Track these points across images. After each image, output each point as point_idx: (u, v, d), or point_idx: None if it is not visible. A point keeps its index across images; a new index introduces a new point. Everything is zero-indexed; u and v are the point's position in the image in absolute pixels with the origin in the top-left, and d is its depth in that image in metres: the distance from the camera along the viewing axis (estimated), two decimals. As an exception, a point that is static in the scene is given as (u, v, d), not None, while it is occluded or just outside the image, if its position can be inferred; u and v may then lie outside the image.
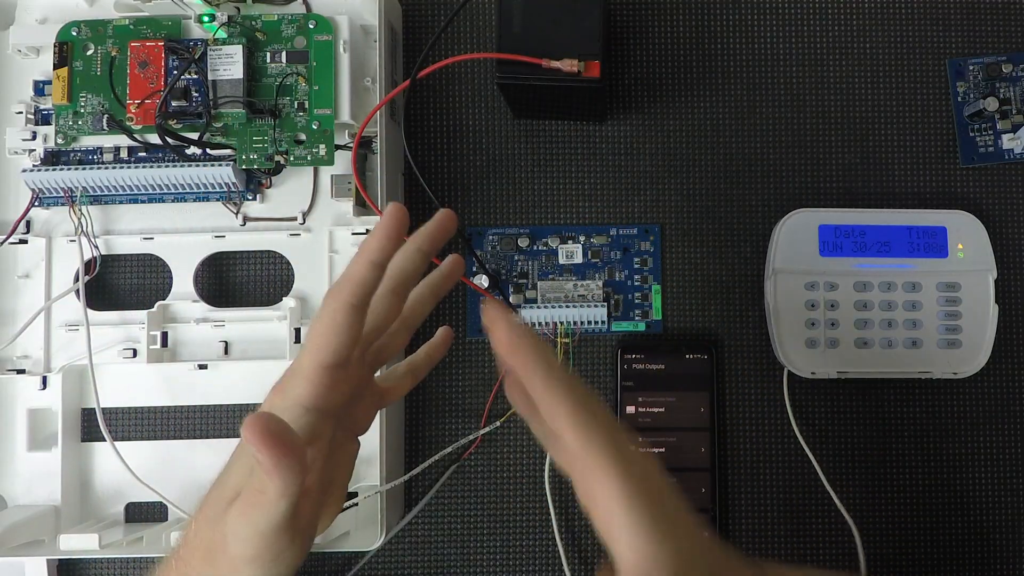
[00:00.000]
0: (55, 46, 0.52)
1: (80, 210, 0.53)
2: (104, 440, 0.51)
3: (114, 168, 0.52)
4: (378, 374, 0.40)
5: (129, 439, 0.55)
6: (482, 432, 0.55)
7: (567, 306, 0.55)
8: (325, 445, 0.34)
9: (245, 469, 0.33)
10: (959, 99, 0.57)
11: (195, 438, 0.55)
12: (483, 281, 0.55)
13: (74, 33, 0.52)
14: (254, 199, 0.55)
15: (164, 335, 0.54)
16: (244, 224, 0.55)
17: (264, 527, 0.31)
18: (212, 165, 0.51)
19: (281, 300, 0.54)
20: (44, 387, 0.53)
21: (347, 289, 0.32)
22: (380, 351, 0.39)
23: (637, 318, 0.56)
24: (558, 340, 0.55)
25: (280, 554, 0.32)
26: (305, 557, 0.34)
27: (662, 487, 0.32)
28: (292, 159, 0.52)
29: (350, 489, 0.52)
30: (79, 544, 0.49)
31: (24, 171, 0.52)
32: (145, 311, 0.53)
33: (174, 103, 0.51)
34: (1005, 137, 0.56)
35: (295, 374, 0.33)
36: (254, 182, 0.54)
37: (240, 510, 0.32)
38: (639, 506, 0.30)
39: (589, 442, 0.31)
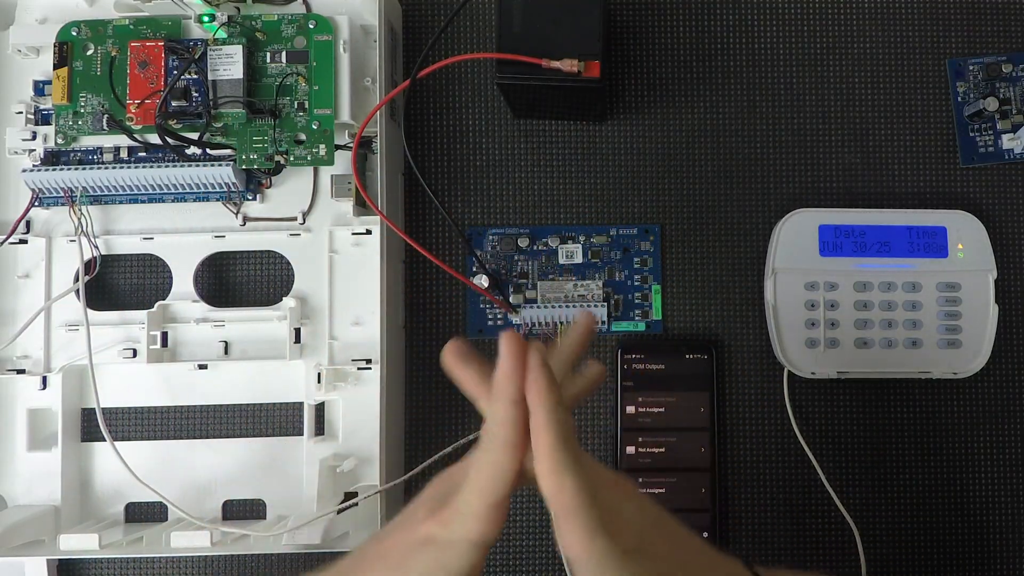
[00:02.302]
0: (55, 46, 0.52)
1: (80, 210, 0.53)
2: (104, 440, 0.51)
3: (114, 168, 0.52)
4: None
5: (129, 439, 0.55)
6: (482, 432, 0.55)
7: (567, 306, 0.55)
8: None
9: (432, 514, 0.35)
10: (959, 99, 0.57)
11: (195, 438, 0.55)
12: (483, 281, 0.55)
13: (74, 33, 0.52)
14: (254, 199, 0.55)
15: (164, 335, 0.54)
16: (244, 224, 0.55)
17: (455, 570, 0.33)
18: (212, 165, 0.51)
19: (281, 300, 0.54)
20: (44, 387, 0.53)
21: (504, 432, 0.34)
22: None
23: (637, 318, 0.56)
24: (558, 340, 0.54)
25: None
26: None
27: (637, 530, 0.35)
28: (292, 159, 0.52)
29: (350, 489, 0.52)
30: (79, 544, 0.49)
31: (24, 171, 0.52)
32: (145, 311, 0.53)
33: (174, 103, 0.51)
34: (1005, 137, 0.56)
35: (461, 513, 0.34)
36: (254, 182, 0.54)
37: (437, 552, 0.34)
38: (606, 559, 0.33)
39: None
